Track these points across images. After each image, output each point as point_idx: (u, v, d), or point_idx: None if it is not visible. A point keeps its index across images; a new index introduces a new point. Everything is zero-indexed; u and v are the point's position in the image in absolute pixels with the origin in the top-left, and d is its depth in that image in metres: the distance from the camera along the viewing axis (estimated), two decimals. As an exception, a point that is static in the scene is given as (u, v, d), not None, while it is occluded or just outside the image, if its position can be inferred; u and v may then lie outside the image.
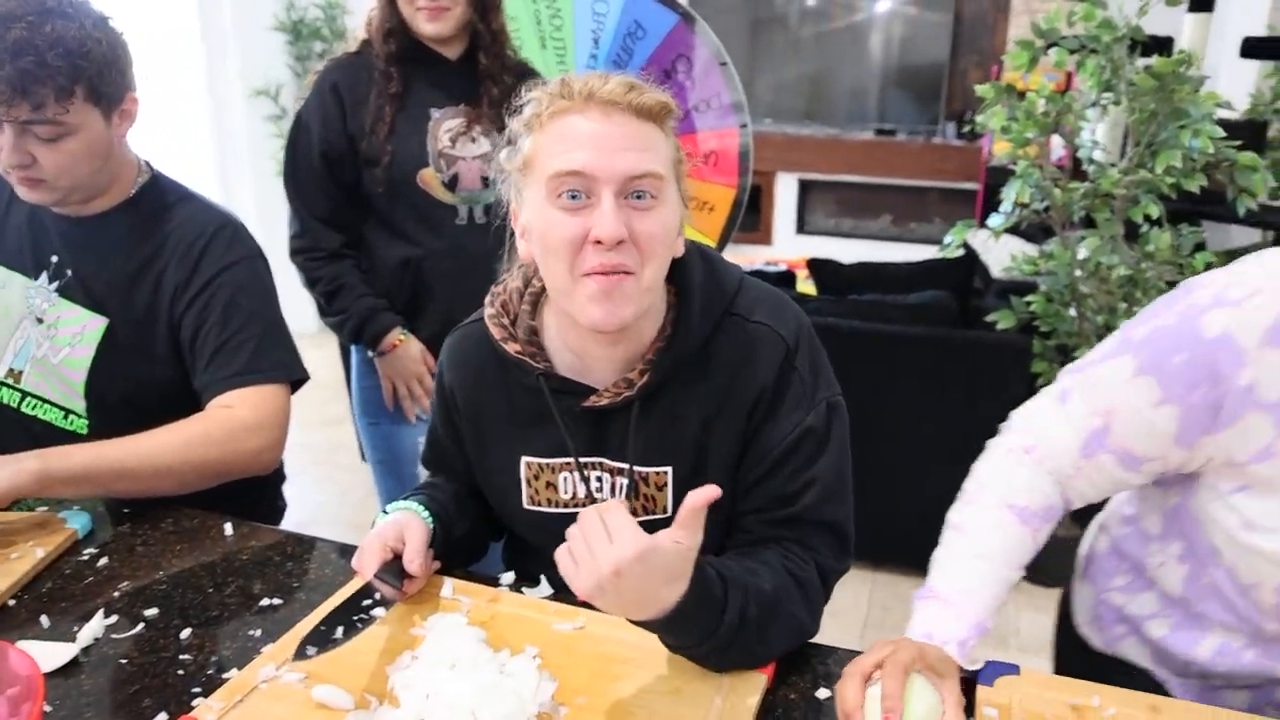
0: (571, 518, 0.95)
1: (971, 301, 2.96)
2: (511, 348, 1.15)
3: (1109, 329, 2.57)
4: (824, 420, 1.12)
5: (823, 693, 1.01)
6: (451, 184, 1.90)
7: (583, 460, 1.17)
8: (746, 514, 1.15)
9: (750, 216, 6.80)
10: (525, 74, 1.95)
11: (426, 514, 1.18)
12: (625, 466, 1.15)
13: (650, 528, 1.03)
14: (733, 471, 1.14)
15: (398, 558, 1.12)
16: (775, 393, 1.11)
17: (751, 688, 0.99)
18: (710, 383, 1.12)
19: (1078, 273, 2.69)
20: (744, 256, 5.30)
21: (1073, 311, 2.73)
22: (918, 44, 6.30)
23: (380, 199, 1.89)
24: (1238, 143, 2.47)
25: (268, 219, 4.85)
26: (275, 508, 1.72)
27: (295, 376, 1.48)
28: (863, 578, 2.86)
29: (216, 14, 4.54)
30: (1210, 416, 0.94)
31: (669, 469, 1.14)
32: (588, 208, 1.00)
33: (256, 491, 1.59)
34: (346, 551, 1.28)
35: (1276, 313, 0.89)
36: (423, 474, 1.38)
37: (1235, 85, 3.47)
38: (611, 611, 0.92)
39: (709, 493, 0.91)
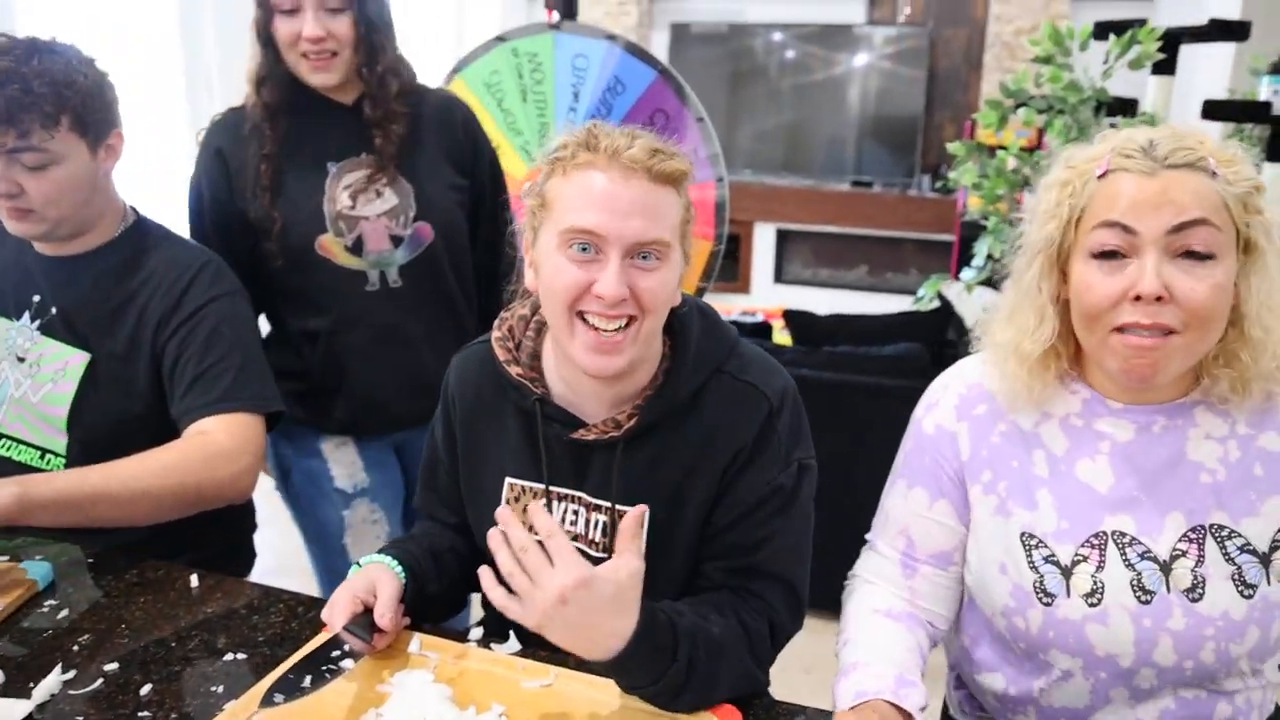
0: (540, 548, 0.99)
1: (945, 353, 2.97)
2: (514, 371, 1.20)
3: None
4: (794, 480, 1.17)
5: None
6: (356, 248, 1.71)
7: (560, 491, 1.20)
8: (708, 560, 1.19)
9: (729, 265, 6.85)
10: (436, 103, 1.81)
11: (399, 567, 1.18)
12: (604, 504, 1.18)
13: None
14: (702, 520, 1.18)
15: (368, 610, 1.11)
16: (754, 449, 1.15)
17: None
18: (695, 433, 1.16)
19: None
20: (722, 305, 5.31)
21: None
22: (893, 98, 6.41)
23: (280, 271, 1.71)
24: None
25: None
26: (245, 556, 1.70)
27: (272, 408, 1.49)
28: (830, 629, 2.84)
29: (198, 56, 4.56)
30: (962, 489, 1.17)
31: (646, 509, 1.13)
32: (595, 262, 1.06)
33: (226, 538, 1.57)
34: (315, 604, 1.26)
35: (958, 395, 1.18)
36: (350, 546, 1.37)
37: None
38: (564, 645, 0.96)
39: (638, 512, 0.98)
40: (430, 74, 1.98)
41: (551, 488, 1.20)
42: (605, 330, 1.07)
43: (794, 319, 3.11)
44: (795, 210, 6.63)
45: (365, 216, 1.70)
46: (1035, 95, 2.67)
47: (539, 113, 2.85)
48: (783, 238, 6.79)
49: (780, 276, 6.84)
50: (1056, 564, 1.07)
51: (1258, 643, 1.03)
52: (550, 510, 1.20)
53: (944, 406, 1.19)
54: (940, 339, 3.02)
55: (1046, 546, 1.08)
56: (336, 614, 1.09)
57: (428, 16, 5.22)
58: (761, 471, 1.16)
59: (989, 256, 2.68)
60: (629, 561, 0.97)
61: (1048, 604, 1.07)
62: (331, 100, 1.71)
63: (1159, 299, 0.95)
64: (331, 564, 1.85)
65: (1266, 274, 0.99)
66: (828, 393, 2.66)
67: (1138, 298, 0.96)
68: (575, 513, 1.20)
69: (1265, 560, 1.03)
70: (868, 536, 1.28)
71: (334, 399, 1.78)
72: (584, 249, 1.06)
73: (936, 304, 3.07)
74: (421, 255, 1.74)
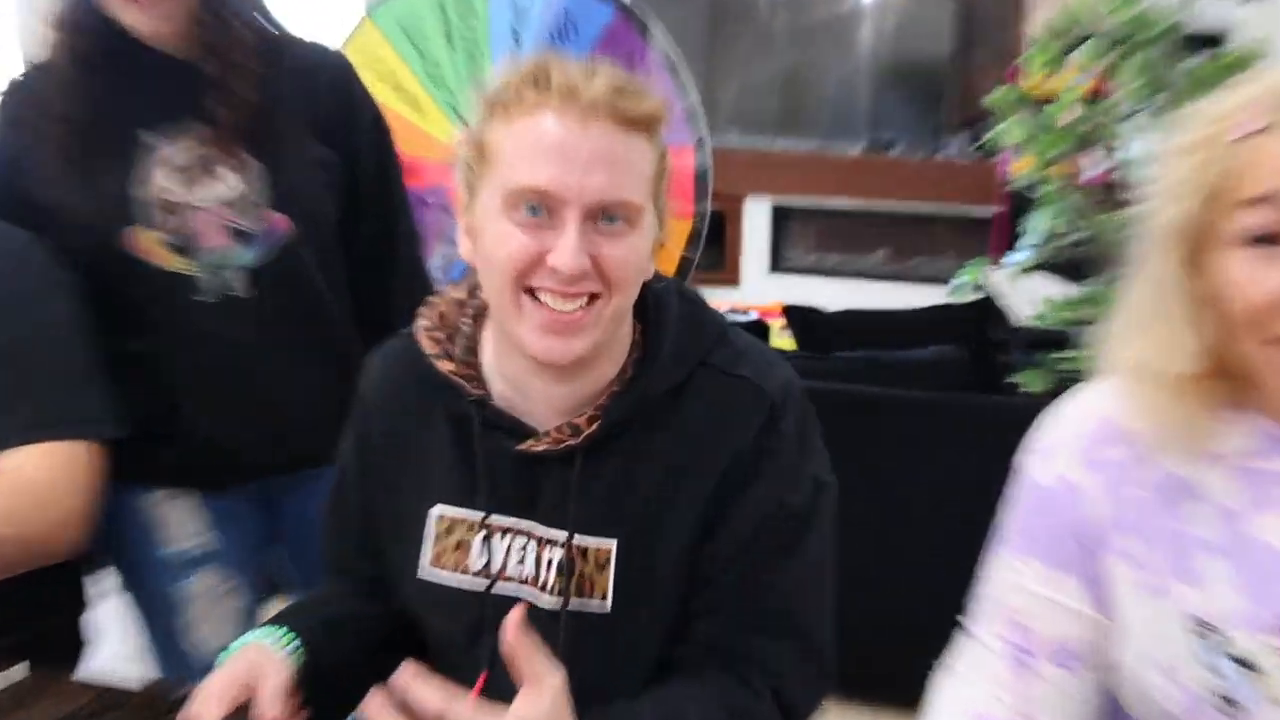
0: (474, 595, 1.12)
1: (990, 358, 2.99)
2: (445, 366, 1.21)
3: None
4: (809, 500, 1.18)
5: None
6: (184, 246, 1.63)
7: (502, 523, 1.21)
8: (698, 616, 1.19)
9: (711, 252, 6.82)
10: (298, 62, 1.75)
11: (288, 643, 1.18)
12: (559, 535, 1.18)
13: (584, 622, 1.18)
14: (689, 555, 1.18)
15: (246, 705, 1.11)
16: (753, 460, 1.16)
17: None
18: (674, 440, 1.18)
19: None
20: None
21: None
22: (916, 38, 6.45)
23: (83, 273, 1.62)
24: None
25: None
26: (72, 641, 1.72)
27: (105, 434, 1.50)
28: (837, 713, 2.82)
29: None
30: (1094, 561, 1.11)
31: (614, 542, 1.18)
32: (549, 228, 1.07)
33: (44, 615, 1.58)
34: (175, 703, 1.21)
35: (1084, 436, 1.12)
36: (194, 627, 1.40)
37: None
38: None
39: (518, 614, 0.97)
40: (333, 13, 1.94)
41: (492, 518, 1.20)
42: (561, 310, 1.08)
43: (796, 317, 3.14)
44: (795, 181, 6.66)
45: (196, 206, 1.62)
46: (1099, 30, 2.68)
47: (469, 61, 2.82)
48: (780, 216, 6.81)
49: (778, 264, 6.87)
50: (1241, 661, 1.01)
51: None
52: (489, 547, 1.21)
53: (1065, 451, 1.13)
54: (982, 338, 3.03)
55: (1224, 636, 1.02)
56: (206, 714, 1.08)
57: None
58: (765, 489, 1.16)
59: (1046, 233, 2.68)
60: (542, 686, 0.98)
61: (1232, 718, 1.01)
62: (157, 51, 1.62)
63: None
64: (172, 650, 1.81)
65: None
66: (841, 410, 2.62)
67: None
68: (523, 549, 1.21)
69: None
70: (965, 622, 1.23)
71: (159, 444, 1.70)
72: (534, 211, 1.06)
73: (976, 295, 3.08)
74: (277, 257, 1.67)
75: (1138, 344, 1.06)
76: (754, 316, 3.78)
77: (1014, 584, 1.15)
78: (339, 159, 1.76)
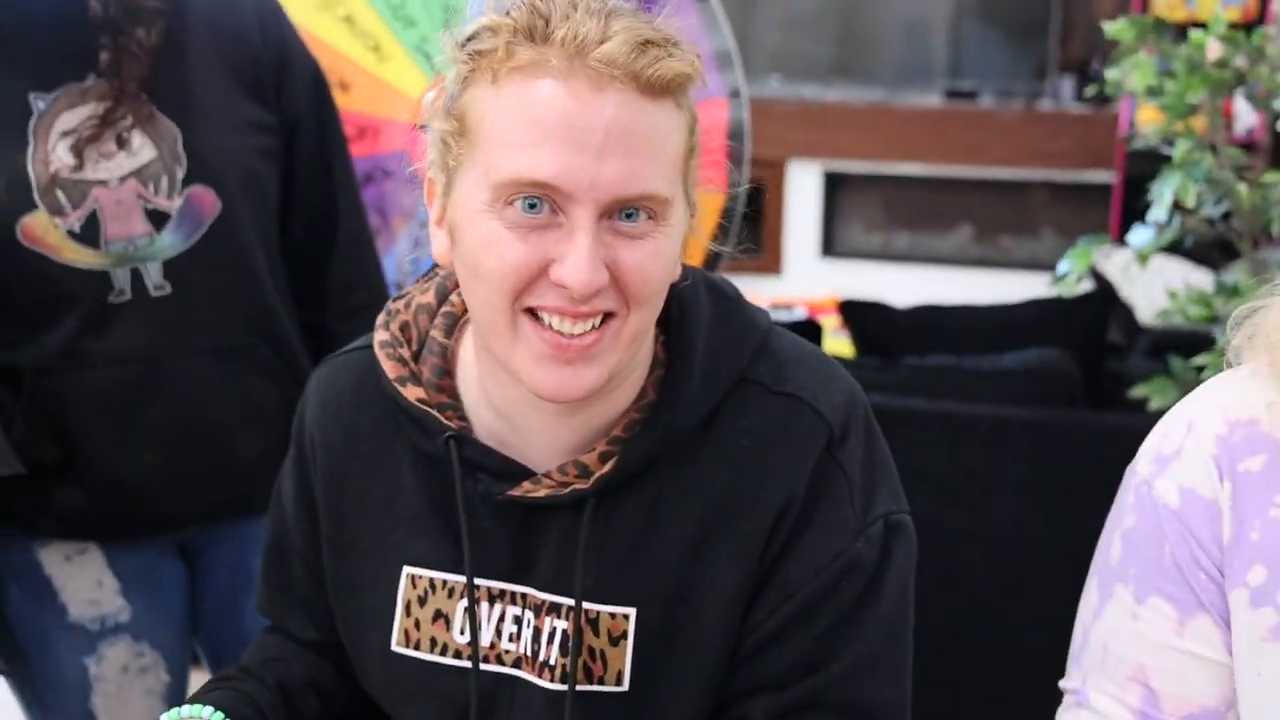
0: (457, 678, 1.14)
1: (1107, 365, 3.01)
2: (411, 394, 1.20)
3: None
4: (879, 548, 1.17)
5: None
6: (88, 234, 1.67)
7: (493, 586, 1.21)
8: (744, 695, 1.18)
9: (748, 232, 6.89)
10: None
11: None
12: (564, 602, 1.18)
13: (595, 709, 1.18)
14: (736, 623, 1.18)
15: None
16: (808, 503, 1.16)
17: None
18: (709, 479, 1.17)
19: (1277, 317, 2.74)
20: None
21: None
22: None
23: None
24: None
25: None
26: None
27: None
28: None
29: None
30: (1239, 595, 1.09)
31: (633, 611, 1.17)
32: (551, 227, 1.04)
33: None
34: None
35: (1216, 438, 1.10)
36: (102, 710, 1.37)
37: None
38: None
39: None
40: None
41: (478, 582, 1.20)
42: (569, 333, 1.06)
43: (856, 315, 3.17)
44: (852, 141, 6.77)
45: (101, 181, 1.66)
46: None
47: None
48: (833, 184, 6.92)
49: (831, 248, 6.97)
50: None
51: None
52: (475, 618, 1.20)
53: (1191, 458, 1.12)
54: (1098, 340, 3.05)
55: None
56: None
57: None
58: (824, 538, 1.16)
59: (1178, 206, 2.69)
60: None
61: None
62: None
63: None
64: None
65: None
66: (916, 430, 2.70)
67: None
68: (517, 619, 1.21)
69: None
70: (1064, 685, 1.24)
71: (54, 485, 1.71)
72: (533, 208, 1.04)
73: (1089, 285, 3.10)
74: (203, 241, 1.71)
75: None
76: (801, 314, 3.78)
77: (1133, 633, 1.14)
78: (276, 119, 1.80)
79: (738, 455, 1.18)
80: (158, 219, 1.68)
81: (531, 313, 1.06)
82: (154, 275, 1.69)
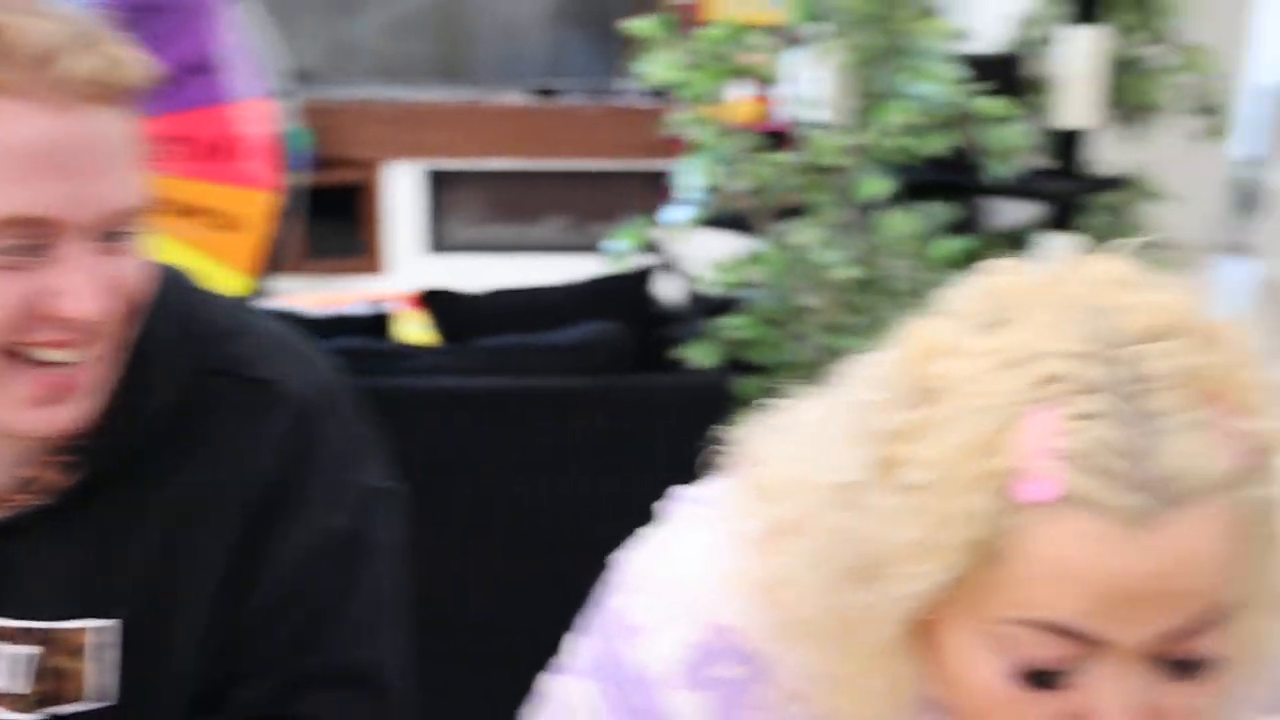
0: None
1: (658, 332, 3.13)
2: None
3: (836, 355, 2.81)
4: (360, 516, 1.19)
5: None
6: None
7: None
8: (236, 683, 1.17)
9: (345, 231, 6.84)
10: None
11: None
12: (34, 626, 1.13)
13: None
14: (228, 614, 1.16)
15: None
16: (283, 484, 1.16)
17: None
18: (184, 476, 1.14)
19: (795, 278, 2.92)
20: (339, 295, 5.30)
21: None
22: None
23: None
24: (985, 86, 2.80)
25: None
26: None
27: None
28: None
29: None
30: None
31: (105, 623, 1.14)
32: (42, 264, 0.99)
33: None
34: None
35: (686, 646, 0.98)
36: None
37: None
38: None
39: None
40: None
41: None
42: (65, 362, 1.03)
43: (436, 303, 3.22)
44: (454, 139, 6.77)
45: None
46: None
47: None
48: (439, 182, 6.90)
49: (440, 244, 6.94)
50: None
51: None
52: None
53: (660, 649, 1.00)
54: (645, 311, 3.19)
55: None
56: None
57: None
58: (305, 516, 1.16)
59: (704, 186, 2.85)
60: None
61: None
62: None
63: None
64: None
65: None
66: (487, 406, 2.75)
67: None
68: None
69: None
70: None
71: None
72: (25, 250, 0.98)
73: (641, 263, 3.22)
74: None
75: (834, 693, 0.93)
76: (385, 309, 3.78)
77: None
78: None
79: (211, 446, 1.15)
80: None
81: (20, 354, 1.01)
82: None
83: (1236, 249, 6.94)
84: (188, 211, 2.71)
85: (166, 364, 1.14)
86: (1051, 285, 0.83)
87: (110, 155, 1.01)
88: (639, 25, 2.86)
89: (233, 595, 1.16)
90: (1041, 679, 0.80)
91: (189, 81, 2.70)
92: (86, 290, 0.99)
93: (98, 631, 1.15)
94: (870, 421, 0.83)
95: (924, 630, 0.85)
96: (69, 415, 1.04)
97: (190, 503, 1.14)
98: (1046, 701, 0.81)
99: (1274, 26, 4.39)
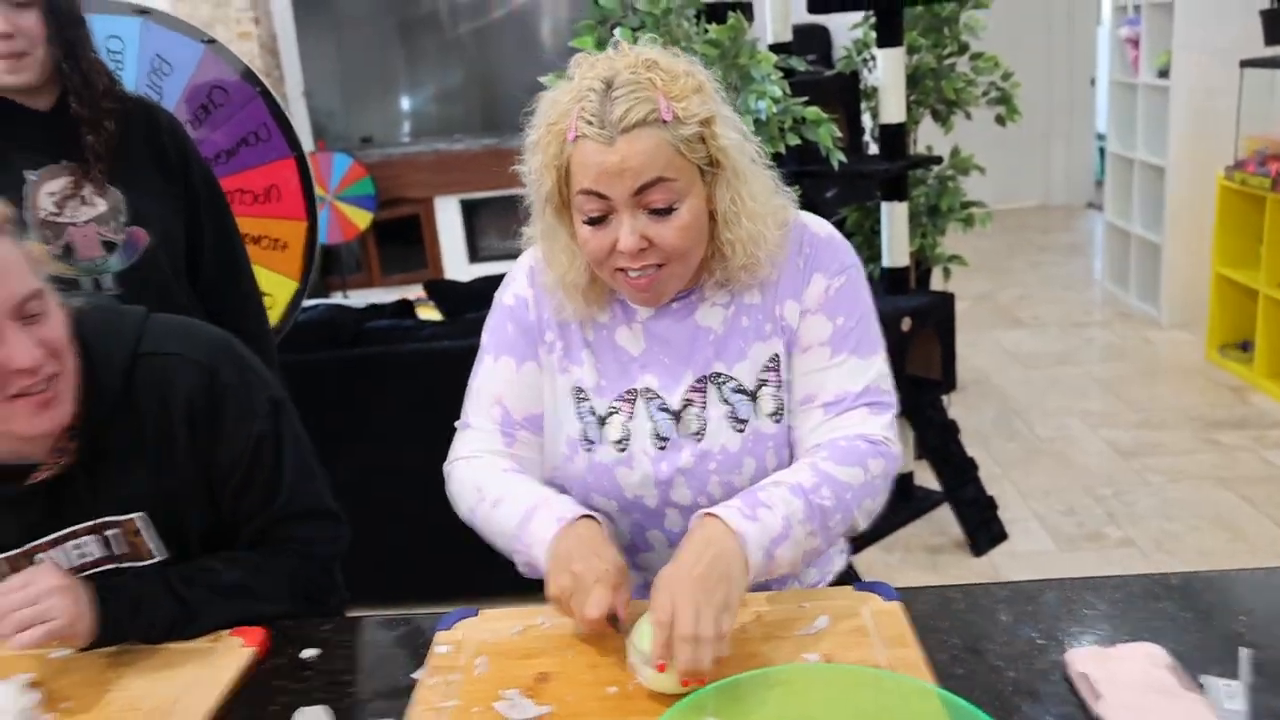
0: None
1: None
2: None
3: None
4: (272, 421, 1.46)
5: (309, 652, 1.36)
6: (66, 255, 1.95)
7: (54, 536, 1.41)
8: (237, 519, 1.47)
9: (413, 251, 7.14)
10: (134, 109, 2.04)
11: None
12: (95, 523, 1.40)
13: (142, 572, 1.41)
14: (205, 493, 1.44)
15: None
16: (209, 408, 1.40)
17: (235, 659, 1.33)
18: (145, 424, 1.39)
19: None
20: (402, 295, 5.59)
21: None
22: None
23: None
24: (803, 99, 3.04)
25: None
26: None
27: None
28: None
29: None
30: (541, 349, 1.48)
31: (138, 516, 1.42)
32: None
33: None
34: None
35: (525, 270, 1.51)
36: None
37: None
38: (54, 634, 1.26)
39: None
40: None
41: (40, 540, 1.40)
42: (36, 391, 1.24)
43: (435, 290, 3.49)
44: (480, 177, 7.01)
45: (73, 222, 1.95)
46: (630, 12, 3.11)
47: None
48: (470, 209, 7.15)
49: (476, 254, 7.20)
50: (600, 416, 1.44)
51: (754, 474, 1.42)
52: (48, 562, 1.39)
53: (516, 281, 1.51)
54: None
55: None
56: None
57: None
58: (235, 430, 1.42)
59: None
60: (38, 575, 1.28)
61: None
62: (25, 106, 1.92)
63: (642, 249, 1.30)
64: None
65: (729, 185, 1.34)
66: (471, 361, 2.99)
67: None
68: (78, 545, 1.41)
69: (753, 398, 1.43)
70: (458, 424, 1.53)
71: None
72: None
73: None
74: (140, 261, 2.01)
75: (550, 257, 1.41)
76: (409, 297, 4.05)
77: (493, 378, 1.48)
78: (181, 190, 2.09)
79: (154, 398, 1.38)
80: (110, 246, 1.98)
81: (8, 398, 1.23)
82: (108, 283, 1.99)
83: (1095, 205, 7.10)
84: (254, 239, 2.89)
85: (107, 360, 1.36)
86: (606, 60, 1.31)
87: (4, 269, 1.21)
88: (548, 79, 3.07)
89: (208, 485, 1.43)
90: (595, 222, 1.30)
91: (244, 150, 2.99)
92: (19, 351, 1.21)
93: (139, 519, 1.41)
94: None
95: (566, 215, 1.36)
96: (58, 416, 1.29)
97: (152, 436, 1.39)
98: (603, 236, 1.30)
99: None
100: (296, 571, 1.48)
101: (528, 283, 1.48)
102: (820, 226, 1.47)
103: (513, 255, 1.48)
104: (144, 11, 2.82)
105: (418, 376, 3.10)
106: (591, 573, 1.22)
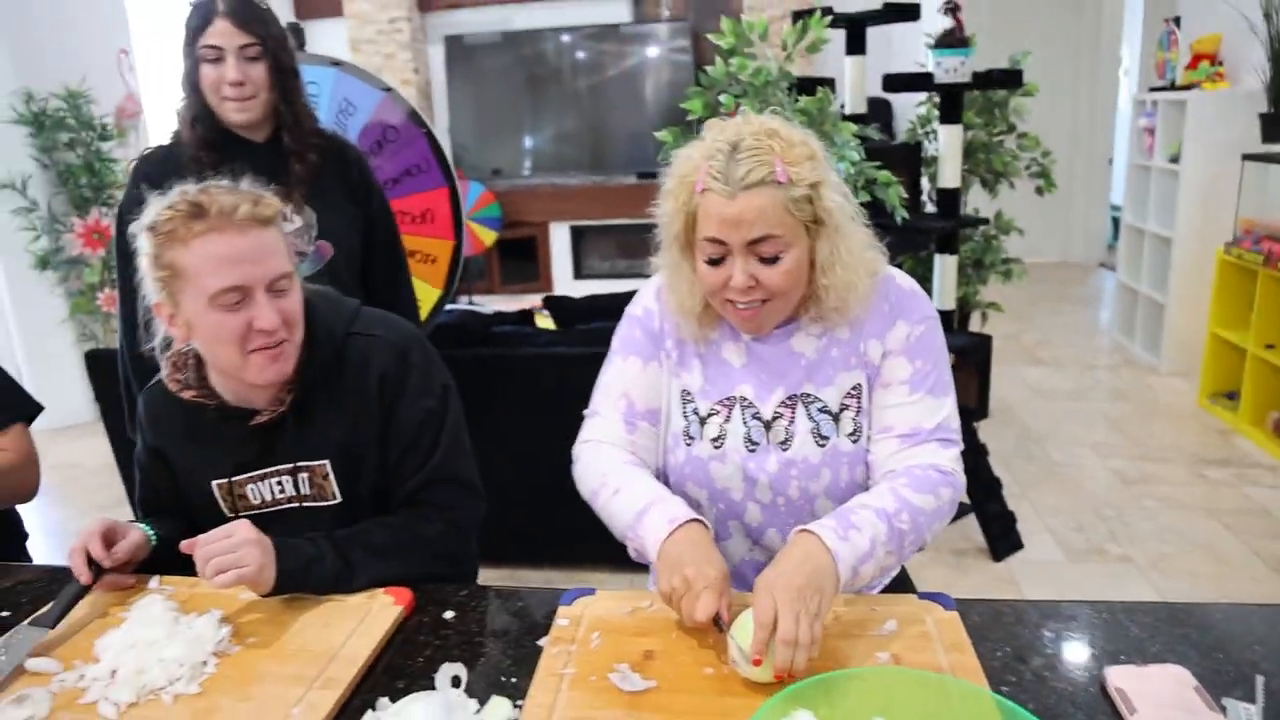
0: (265, 518, 1.39)
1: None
2: (188, 395, 1.44)
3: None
4: (442, 403, 1.49)
5: (448, 614, 1.33)
6: None
7: (259, 472, 1.46)
8: (397, 478, 1.48)
9: (528, 266, 7.17)
10: (330, 145, 2.09)
11: (151, 532, 1.44)
12: (299, 464, 1.45)
13: (320, 513, 1.46)
14: (380, 451, 1.46)
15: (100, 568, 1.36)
16: (397, 381, 1.44)
17: (387, 616, 1.30)
18: (345, 387, 1.44)
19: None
20: (517, 303, 5.61)
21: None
22: (674, 87, 6.86)
23: None
24: (877, 163, 2.98)
25: (25, 311, 4.87)
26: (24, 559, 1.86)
27: (32, 412, 1.77)
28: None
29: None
30: (661, 354, 1.47)
31: (327, 462, 1.45)
32: (244, 304, 1.30)
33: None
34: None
35: (653, 289, 1.49)
36: None
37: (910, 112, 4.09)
38: (244, 579, 1.28)
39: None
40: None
41: (248, 474, 1.45)
42: (271, 347, 1.33)
43: (552, 304, 3.42)
44: (588, 207, 7.03)
45: None
46: (734, 82, 3.07)
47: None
48: (578, 234, 7.15)
49: (580, 272, 7.20)
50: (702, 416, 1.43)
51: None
52: (251, 494, 1.47)
53: (643, 297, 1.51)
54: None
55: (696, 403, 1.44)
56: (81, 541, 1.35)
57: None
58: (411, 400, 1.45)
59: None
60: (237, 528, 1.30)
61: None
62: (248, 140, 1.97)
63: (750, 288, 1.30)
64: None
65: (829, 239, 1.33)
66: (581, 365, 2.92)
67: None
68: (279, 482, 1.46)
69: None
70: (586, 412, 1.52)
71: None
72: (237, 301, 1.30)
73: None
74: (324, 268, 2.05)
75: (673, 284, 1.41)
76: (530, 308, 4.03)
77: (620, 375, 1.47)
78: (362, 213, 2.13)
79: (355, 370, 1.44)
80: (300, 255, 2.00)
81: (249, 351, 1.33)
82: None
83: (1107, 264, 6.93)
84: (409, 253, 2.93)
85: (326, 333, 1.44)
86: (734, 125, 1.31)
87: (270, 250, 1.32)
88: (662, 134, 3.06)
89: (380, 443, 1.46)
90: (713, 262, 1.31)
91: (407, 180, 3.01)
92: (265, 314, 1.30)
93: (325, 466, 1.45)
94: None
95: (689, 253, 1.36)
96: (281, 371, 1.36)
97: (353, 399, 1.44)
98: (719, 273, 1.31)
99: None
100: (438, 536, 1.47)
101: (654, 299, 1.49)
102: (905, 280, 1.44)
103: (611, 274, 1.50)
104: (337, 63, 2.84)
105: (535, 376, 3.08)
106: (702, 579, 1.19)
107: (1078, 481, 3.92)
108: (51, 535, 3.70)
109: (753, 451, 1.41)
